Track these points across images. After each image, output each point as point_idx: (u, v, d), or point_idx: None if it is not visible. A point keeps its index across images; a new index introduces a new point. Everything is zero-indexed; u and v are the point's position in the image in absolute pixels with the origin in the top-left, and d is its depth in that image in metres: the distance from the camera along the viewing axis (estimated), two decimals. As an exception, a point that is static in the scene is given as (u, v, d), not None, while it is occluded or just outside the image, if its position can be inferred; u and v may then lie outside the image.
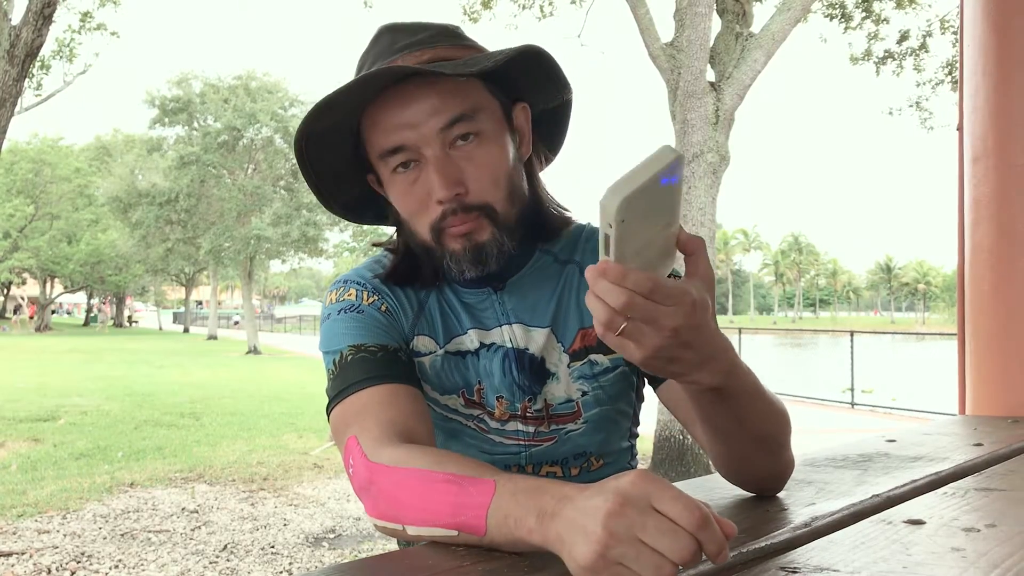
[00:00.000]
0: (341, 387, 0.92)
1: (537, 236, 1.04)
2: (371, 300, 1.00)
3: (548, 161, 1.09)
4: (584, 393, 1.04)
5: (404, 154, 0.92)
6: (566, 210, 1.08)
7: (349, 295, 1.01)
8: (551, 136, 1.08)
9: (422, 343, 1.02)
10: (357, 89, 0.88)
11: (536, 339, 1.03)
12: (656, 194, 0.63)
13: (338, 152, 0.98)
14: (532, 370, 1.03)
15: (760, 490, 0.94)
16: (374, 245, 1.11)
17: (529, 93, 1.00)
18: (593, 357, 1.04)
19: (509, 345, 1.02)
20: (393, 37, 0.96)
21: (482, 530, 0.69)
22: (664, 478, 0.61)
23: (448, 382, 1.03)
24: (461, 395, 1.03)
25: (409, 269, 1.03)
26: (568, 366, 1.03)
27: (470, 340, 1.03)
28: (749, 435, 0.83)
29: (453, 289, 1.04)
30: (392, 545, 1.04)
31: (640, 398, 1.14)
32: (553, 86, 1.00)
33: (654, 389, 1.06)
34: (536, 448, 1.04)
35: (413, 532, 0.75)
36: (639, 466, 0.88)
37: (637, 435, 1.17)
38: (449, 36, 0.96)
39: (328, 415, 0.94)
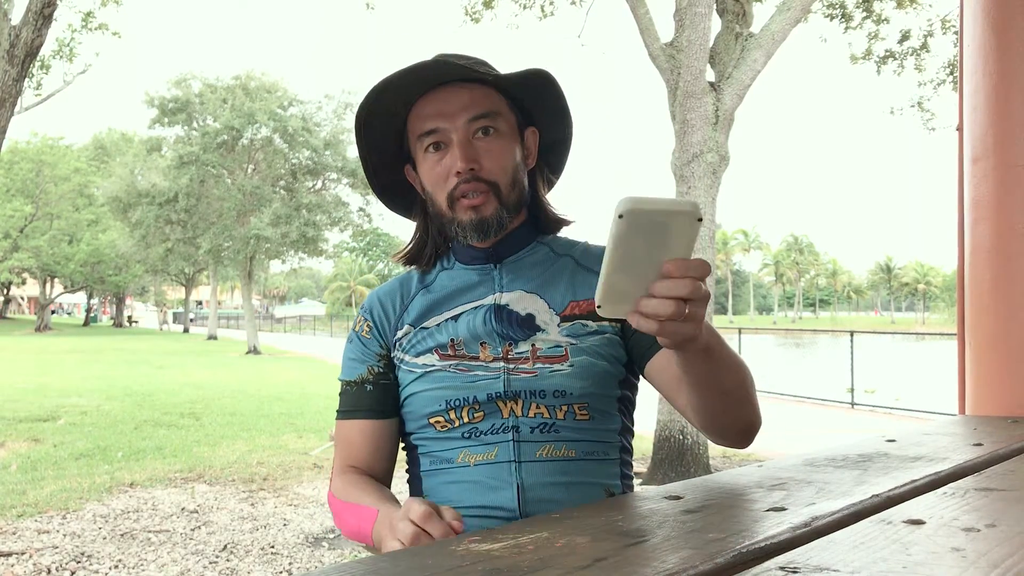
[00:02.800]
0: (337, 410, 1.27)
1: (536, 227, 1.26)
2: (360, 326, 1.28)
3: (551, 184, 1.31)
4: (572, 344, 1.17)
5: (436, 136, 1.16)
6: (565, 217, 1.28)
7: (357, 323, 1.29)
8: (554, 163, 1.31)
9: (402, 331, 1.24)
10: (413, 74, 1.12)
11: (527, 301, 1.19)
12: (660, 225, 0.75)
13: (386, 140, 1.23)
14: (512, 322, 1.18)
15: (735, 440, 1.12)
16: (388, 254, 1.27)
17: (540, 122, 1.26)
18: (582, 320, 1.18)
19: (491, 303, 1.19)
20: (445, 59, 1.20)
21: (373, 544, 1.04)
22: (429, 500, 0.98)
23: (421, 346, 1.21)
24: (435, 352, 1.20)
25: (419, 252, 1.28)
26: (558, 325, 1.18)
27: (454, 313, 1.21)
28: (728, 387, 1.02)
29: (453, 272, 1.25)
30: (391, 545, 1.13)
31: (631, 404, 1.23)
32: (560, 120, 1.26)
33: (642, 371, 1.18)
34: (515, 377, 1.15)
35: (354, 542, 1.00)
36: (637, 467, 0.91)
37: (631, 447, 1.23)
38: (485, 64, 1.22)
39: None
